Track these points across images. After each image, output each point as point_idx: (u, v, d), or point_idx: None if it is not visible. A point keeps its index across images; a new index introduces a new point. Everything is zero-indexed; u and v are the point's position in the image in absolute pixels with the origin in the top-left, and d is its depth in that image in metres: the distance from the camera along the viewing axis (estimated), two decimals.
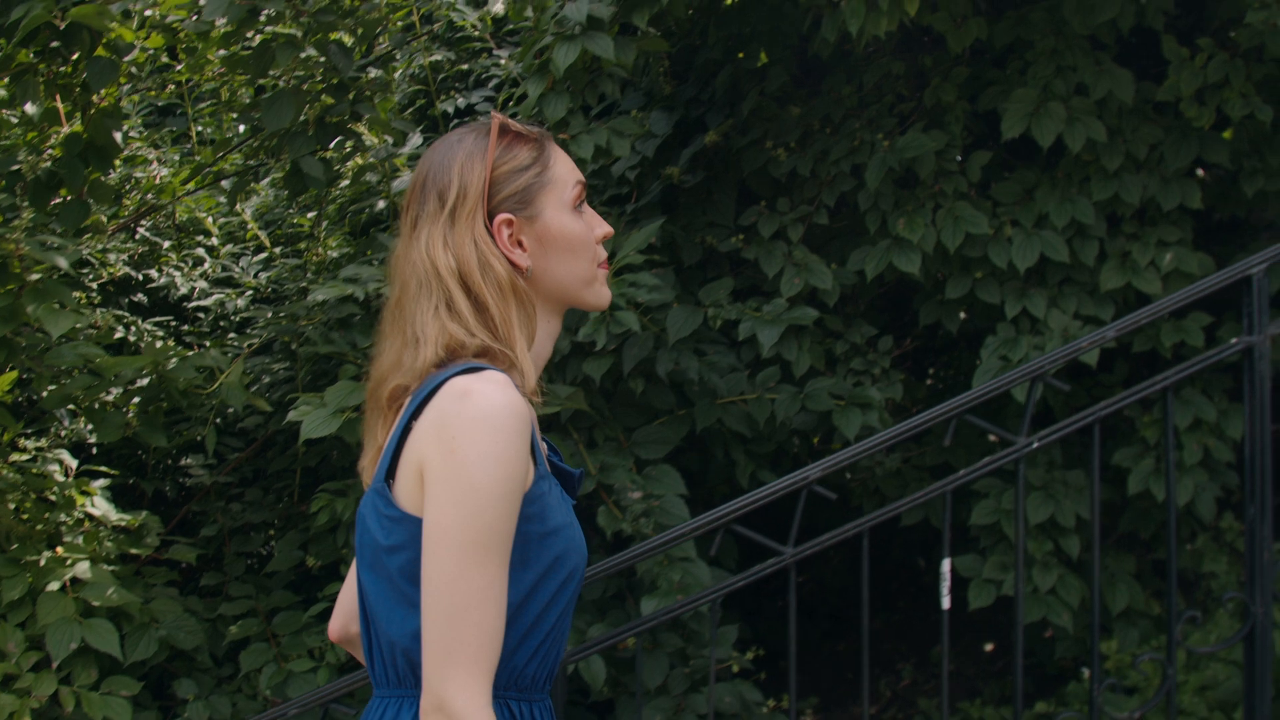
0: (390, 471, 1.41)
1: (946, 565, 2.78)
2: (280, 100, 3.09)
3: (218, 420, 3.55)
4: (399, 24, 3.90)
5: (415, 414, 1.39)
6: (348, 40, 3.46)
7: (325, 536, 3.30)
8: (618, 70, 3.27)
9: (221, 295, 4.08)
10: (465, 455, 1.31)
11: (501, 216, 1.47)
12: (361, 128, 3.37)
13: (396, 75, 4.28)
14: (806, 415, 3.49)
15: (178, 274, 4.28)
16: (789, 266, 3.55)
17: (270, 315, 3.51)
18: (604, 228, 1.57)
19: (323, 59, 3.15)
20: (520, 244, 1.48)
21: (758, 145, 3.73)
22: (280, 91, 3.13)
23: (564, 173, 1.53)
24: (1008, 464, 2.87)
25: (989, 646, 4.61)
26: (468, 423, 1.32)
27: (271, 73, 3.26)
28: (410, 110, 4.45)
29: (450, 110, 4.21)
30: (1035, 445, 2.79)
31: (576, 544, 1.45)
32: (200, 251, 4.28)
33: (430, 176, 1.50)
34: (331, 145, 3.43)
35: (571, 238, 1.51)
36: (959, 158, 3.63)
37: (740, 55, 3.75)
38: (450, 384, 1.36)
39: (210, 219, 4.35)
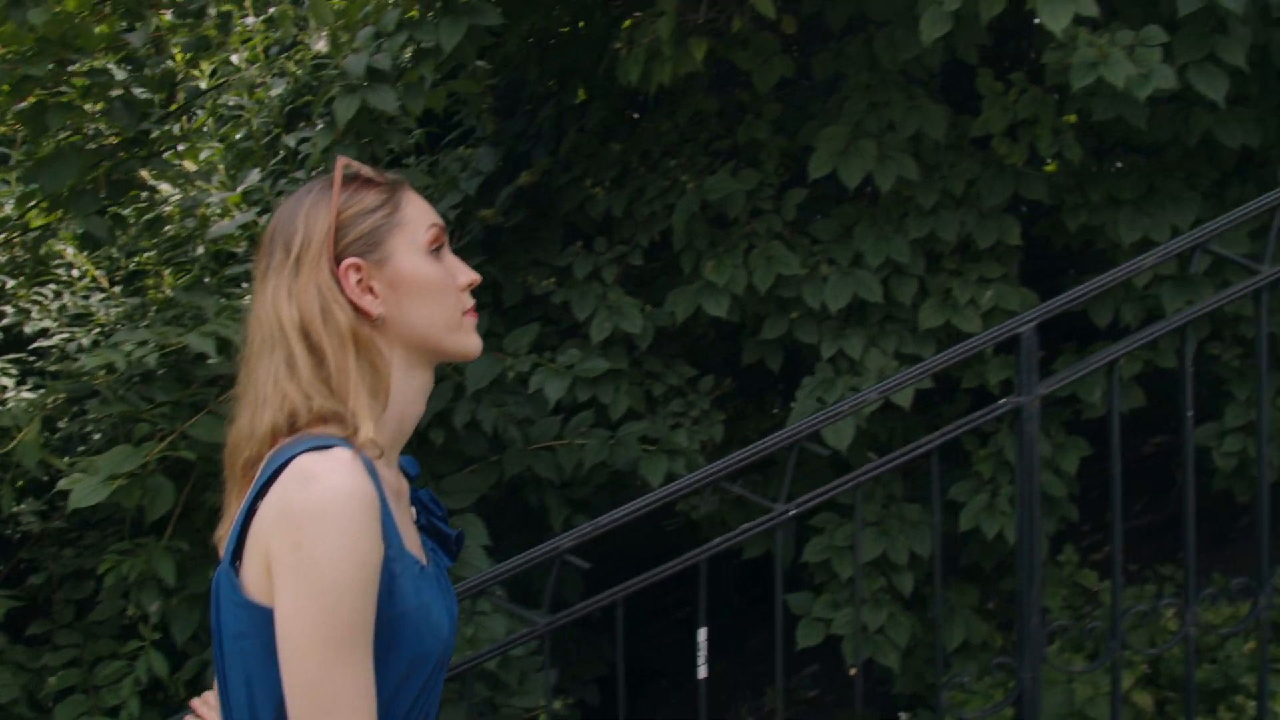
0: (238, 552, 1.34)
1: (702, 634, 2.75)
2: (58, 161, 3.07)
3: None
4: (250, 54, 3.86)
5: (260, 493, 1.31)
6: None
7: (116, 593, 3.30)
8: (403, 120, 3.23)
9: (68, 334, 4.08)
10: (313, 550, 1.25)
11: (348, 261, 1.40)
12: (161, 179, 3.34)
13: (255, 102, 4.25)
14: (620, 459, 3.47)
15: (34, 308, 4.28)
16: (601, 309, 3.51)
17: (75, 366, 3.51)
18: (468, 274, 1.49)
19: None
20: (372, 290, 1.41)
21: (578, 183, 3.69)
22: (58, 152, 3.11)
23: (417, 215, 1.45)
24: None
25: (853, 670, 4.59)
26: (314, 515, 1.25)
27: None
28: (266, 140, 4.43)
29: (293, 144, 4.18)
30: (792, 512, 2.75)
31: (431, 625, 1.39)
32: (52, 288, 4.27)
33: (278, 228, 1.44)
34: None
35: (425, 281, 1.44)
36: (773, 195, 3.56)
37: (557, 89, 3.70)
38: (293, 466, 1.29)
39: (70, 251, 4.34)
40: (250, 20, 3.48)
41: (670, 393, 3.65)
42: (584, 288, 3.56)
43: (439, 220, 1.48)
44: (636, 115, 3.68)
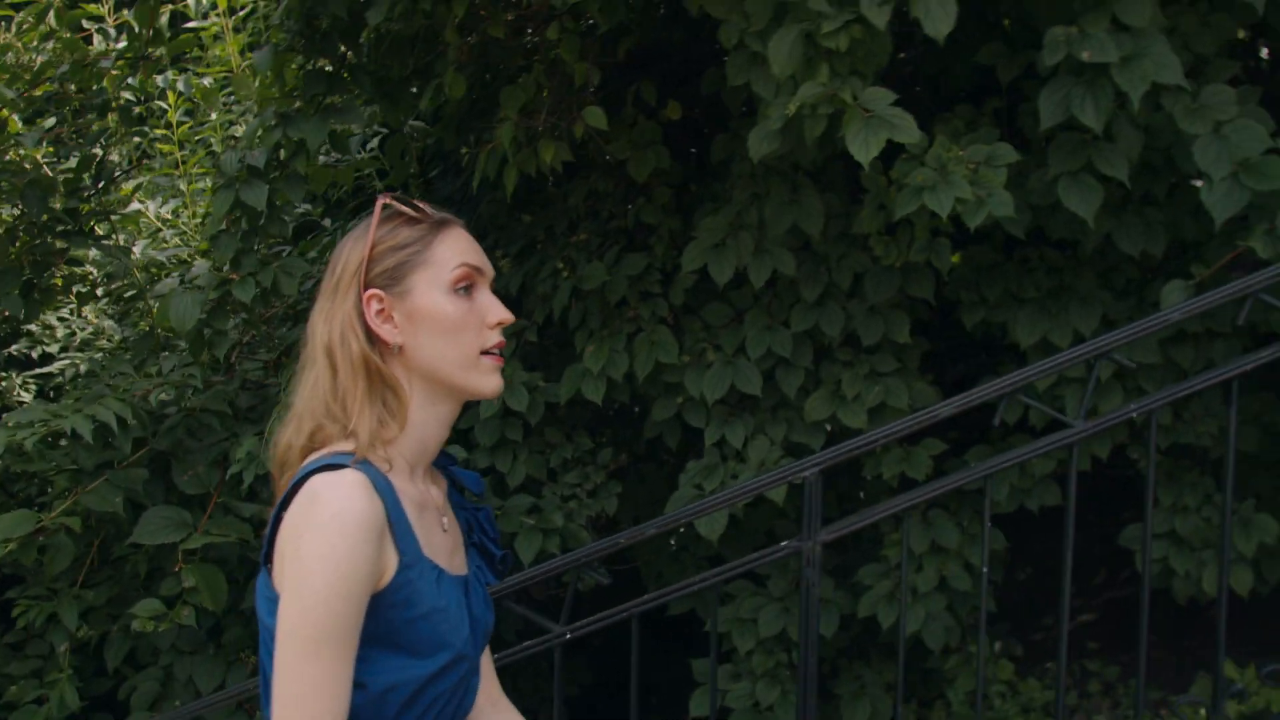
0: (269, 555, 1.48)
1: None
2: None
3: None
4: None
5: (285, 504, 1.45)
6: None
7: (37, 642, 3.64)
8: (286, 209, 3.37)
9: (67, 360, 4.46)
10: (306, 557, 1.38)
11: (370, 292, 1.51)
12: (86, 253, 3.61)
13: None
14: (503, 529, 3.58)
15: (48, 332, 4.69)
16: None
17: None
18: (499, 314, 1.56)
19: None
20: (392, 321, 1.52)
21: (489, 253, 3.75)
22: None
23: (447, 254, 1.54)
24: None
25: None
26: (313, 528, 1.39)
27: None
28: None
29: None
30: (568, 636, 2.81)
31: (451, 624, 1.50)
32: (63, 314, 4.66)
33: (333, 255, 1.58)
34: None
35: (441, 317, 1.52)
36: (661, 279, 3.55)
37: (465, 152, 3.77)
38: (308, 484, 1.42)
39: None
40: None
41: (568, 464, 3.72)
42: None
43: (474, 261, 1.56)
44: (552, 182, 3.71)
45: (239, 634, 3.67)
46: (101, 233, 3.61)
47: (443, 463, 1.70)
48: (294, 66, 3.24)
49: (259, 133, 3.29)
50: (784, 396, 3.51)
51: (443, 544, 1.57)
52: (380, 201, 1.56)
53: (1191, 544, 3.48)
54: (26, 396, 4.67)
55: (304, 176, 3.32)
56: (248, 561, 3.62)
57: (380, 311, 1.51)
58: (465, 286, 1.53)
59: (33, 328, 4.72)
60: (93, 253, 3.76)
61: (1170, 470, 3.57)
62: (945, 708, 3.91)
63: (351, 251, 1.53)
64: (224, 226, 3.35)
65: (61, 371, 4.51)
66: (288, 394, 1.59)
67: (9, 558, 3.27)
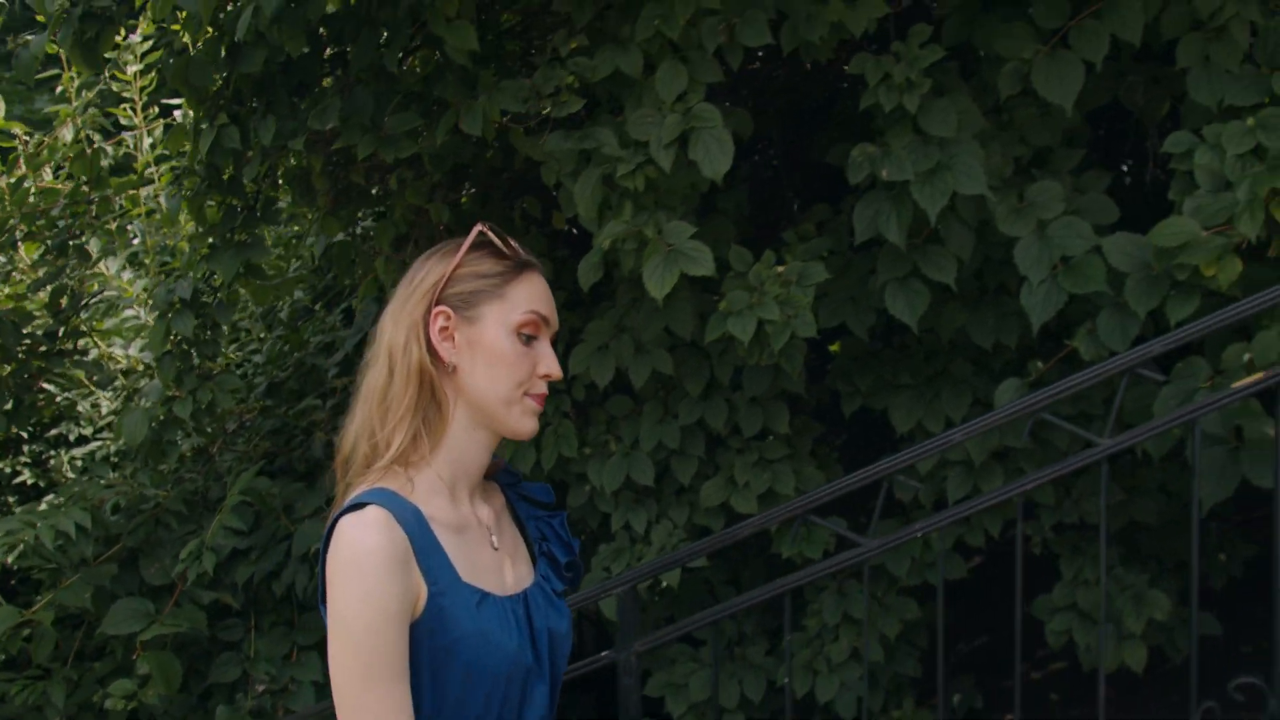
0: (323, 594, 1.54)
1: None
2: None
3: None
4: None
5: (326, 545, 1.53)
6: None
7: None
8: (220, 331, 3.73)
9: (99, 444, 4.96)
10: (339, 597, 1.46)
11: (439, 308, 1.58)
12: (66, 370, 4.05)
13: None
14: None
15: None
16: None
17: None
18: (549, 366, 1.63)
19: None
20: (453, 340, 1.59)
21: None
22: None
23: (521, 297, 1.61)
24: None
25: None
26: (340, 569, 1.46)
27: None
28: None
29: None
30: None
31: (491, 646, 1.54)
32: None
33: (414, 264, 1.66)
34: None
35: (497, 353, 1.58)
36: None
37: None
38: (337, 528, 1.49)
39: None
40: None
41: None
42: None
43: (543, 311, 1.63)
44: None
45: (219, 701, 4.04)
46: (82, 346, 4.07)
47: (506, 480, 1.80)
48: (211, 205, 3.58)
49: (187, 267, 3.66)
50: (680, 485, 3.68)
51: (491, 563, 1.63)
52: (477, 229, 1.62)
53: (1094, 617, 3.50)
54: (71, 474, 5.20)
55: (233, 303, 3.68)
56: (216, 642, 4.00)
57: (444, 330, 1.58)
58: (529, 334, 1.60)
59: (81, 407, 5.24)
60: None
61: (1075, 543, 3.59)
62: None
63: (435, 266, 1.60)
64: (168, 349, 3.73)
65: (94, 452, 5.01)
66: (357, 383, 1.64)
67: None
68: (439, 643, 1.51)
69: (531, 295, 1.61)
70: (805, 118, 3.82)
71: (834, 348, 3.50)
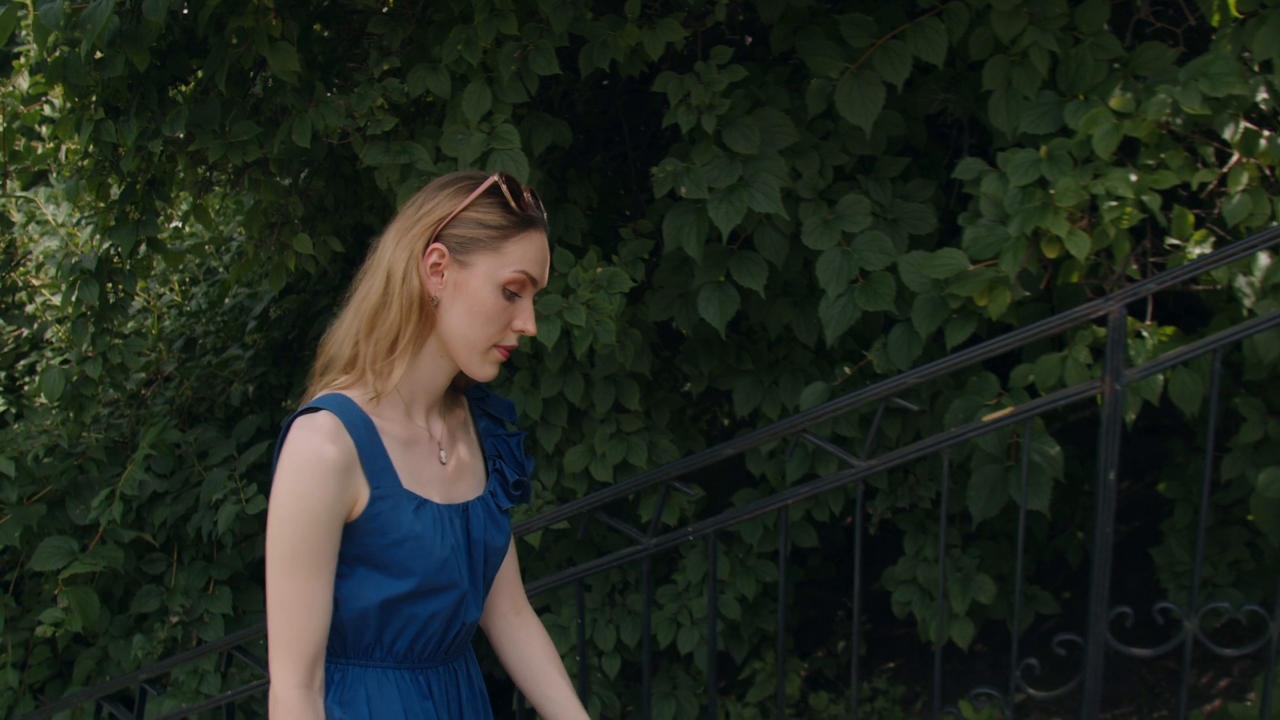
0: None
1: None
2: None
3: None
4: None
5: (282, 438, 1.63)
6: None
7: None
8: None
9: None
10: (277, 491, 1.58)
11: (435, 245, 1.62)
12: None
13: None
14: None
15: None
16: None
17: None
18: (525, 324, 1.68)
19: None
20: (442, 277, 1.63)
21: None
22: None
23: (516, 255, 1.64)
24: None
25: None
26: (281, 466, 1.58)
27: None
28: None
29: None
30: None
31: (424, 551, 1.65)
32: None
33: (428, 188, 1.69)
34: None
35: (479, 302, 1.63)
36: None
37: None
38: (291, 428, 1.60)
39: None
40: None
41: None
42: None
43: (533, 272, 1.67)
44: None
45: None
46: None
47: (474, 395, 1.87)
48: (110, 183, 3.79)
49: (91, 240, 3.90)
50: (548, 451, 3.89)
51: (435, 475, 1.72)
52: (492, 178, 1.65)
53: (931, 593, 3.68)
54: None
55: (139, 271, 3.93)
56: (144, 575, 4.36)
57: (436, 266, 1.62)
58: (514, 290, 1.65)
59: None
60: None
61: (921, 521, 3.74)
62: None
63: (444, 202, 1.63)
64: (84, 311, 4.00)
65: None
66: (352, 285, 1.70)
67: None
68: (377, 542, 1.62)
69: (525, 255, 1.64)
70: (654, 118, 3.89)
71: (686, 332, 3.63)
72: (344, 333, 1.67)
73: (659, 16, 2.90)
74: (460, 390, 1.84)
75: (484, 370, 1.68)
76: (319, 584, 1.58)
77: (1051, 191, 2.66)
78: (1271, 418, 3.00)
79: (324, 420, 1.57)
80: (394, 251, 1.63)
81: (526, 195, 1.66)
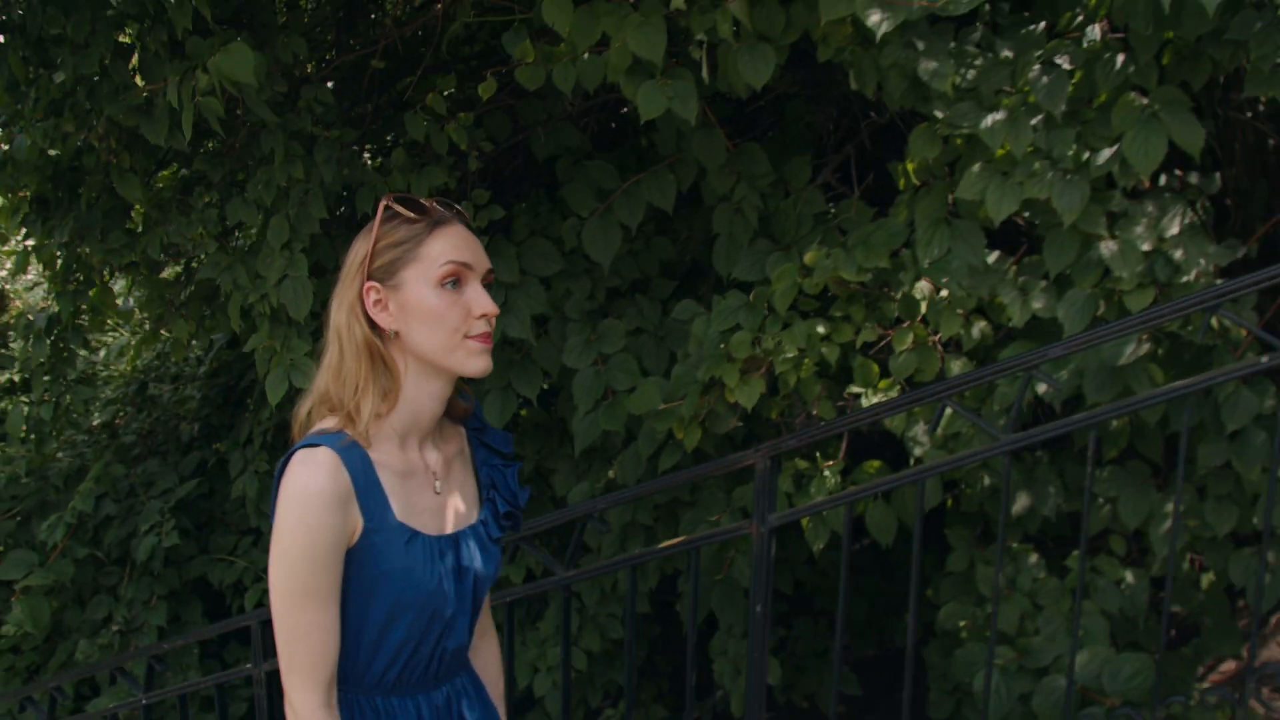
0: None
1: None
2: None
3: None
4: None
5: (281, 473, 1.65)
6: None
7: None
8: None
9: None
10: (277, 525, 1.60)
11: (368, 284, 1.68)
12: None
13: None
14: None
15: None
16: None
17: None
18: (483, 306, 1.70)
19: None
20: (388, 310, 1.68)
21: None
22: None
23: (435, 252, 1.67)
24: None
25: None
26: (282, 501, 1.60)
27: None
28: None
29: None
30: None
31: (413, 583, 1.69)
32: None
33: (352, 244, 1.75)
34: None
35: (426, 309, 1.66)
36: None
37: None
38: (291, 462, 1.63)
39: None
40: None
41: None
42: None
43: (462, 258, 1.69)
44: None
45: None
46: None
47: (473, 424, 1.91)
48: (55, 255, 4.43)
49: (45, 300, 4.55)
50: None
51: (429, 505, 1.75)
52: (383, 202, 1.72)
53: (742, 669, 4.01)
54: None
55: (79, 330, 4.57)
56: (98, 586, 5.03)
57: (378, 301, 1.68)
58: (453, 281, 1.67)
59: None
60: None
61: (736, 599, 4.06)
62: None
63: (359, 247, 1.70)
64: (42, 362, 4.67)
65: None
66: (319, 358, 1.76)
67: None
68: (370, 573, 1.66)
69: (446, 248, 1.68)
70: None
71: (523, 413, 4.02)
72: (317, 397, 1.72)
73: (427, 164, 3.31)
74: (459, 420, 1.89)
75: (471, 364, 1.70)
76: (331, 610, 1.63)
77: (722, 346, 2.97)
78: (977, 547, 3.24)
79: (324, 455, 1.60)
80: (336, 311, 1.71)
81: (424, 202, 1.72)
